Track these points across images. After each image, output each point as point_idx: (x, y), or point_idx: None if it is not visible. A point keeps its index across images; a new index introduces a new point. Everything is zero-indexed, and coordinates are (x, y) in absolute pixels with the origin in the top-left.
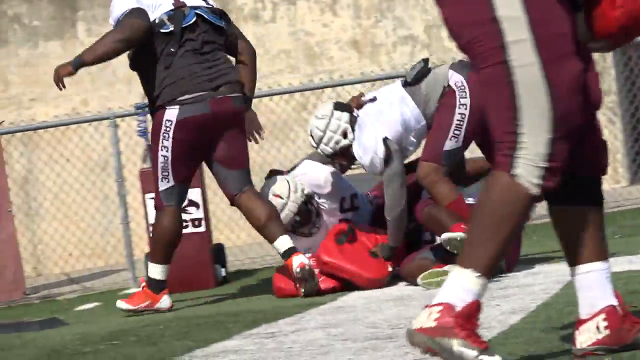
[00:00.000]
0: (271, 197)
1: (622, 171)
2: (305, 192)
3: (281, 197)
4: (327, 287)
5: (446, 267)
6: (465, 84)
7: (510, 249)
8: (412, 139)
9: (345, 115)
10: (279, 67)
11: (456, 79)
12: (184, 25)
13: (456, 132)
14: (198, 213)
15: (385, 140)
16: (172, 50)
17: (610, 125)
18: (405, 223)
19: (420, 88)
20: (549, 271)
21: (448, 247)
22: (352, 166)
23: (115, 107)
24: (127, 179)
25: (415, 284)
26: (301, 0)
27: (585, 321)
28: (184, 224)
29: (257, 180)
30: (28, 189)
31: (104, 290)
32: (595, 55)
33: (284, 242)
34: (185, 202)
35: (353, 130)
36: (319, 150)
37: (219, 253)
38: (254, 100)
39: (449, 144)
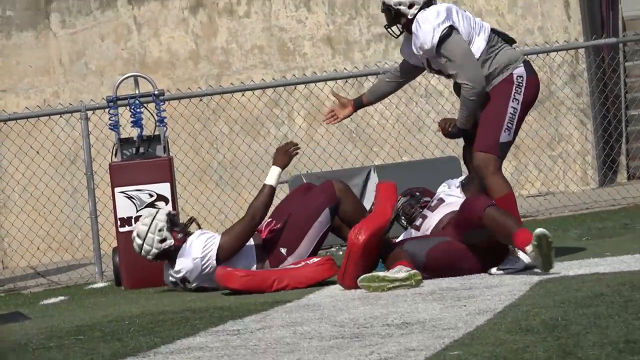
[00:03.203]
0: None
1: (592, 173)
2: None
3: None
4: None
5: (388, 273)
6: (524, 81)
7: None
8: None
9: None
10: (252, 63)
11: (520, 72)
12: None
13: (509, 124)
14: (167, 208)
15: (451, 26)
16: None
17: (582, 127)
18: (479, 108)
19: (497, 40)
20: (516, 274)
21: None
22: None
23: (87, 99)
24: (97, 173)
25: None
26: None
27: None
28: None
29: (228, 177)
30: None
31: (70, 285)
32: (568, 57)
33: None
34: (154, 197)
35: None
36: None
37: None
38: (226, 96)
39: (503, 136)
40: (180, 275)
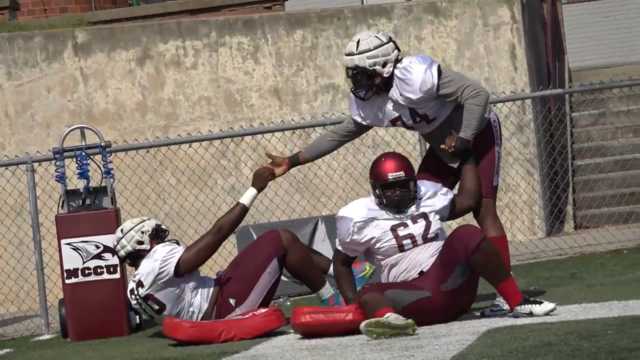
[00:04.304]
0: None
1: (539, 223)
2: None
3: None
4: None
5: (390, 319)
6: (498, 124)
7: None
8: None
9: None
10: (199, 114)
11: (494, 117)
12: None
13: (498, 168)
14: (113, 260)
15: (439, 65)
16: None
17: (529, 177)
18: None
19: None
20: (464, 322)
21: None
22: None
23: (33, 151)
24: (43, 224)
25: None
26: (223, 47)
27: None
28: (99, 270)
29: (175, 228)
30: None
31: (16, 337)
32: (515, 108)
33: None
34: (101, 249)
35: None
36: None
37: None
38: (173, 147)
39: (495, 179)
40: (137, 278)
